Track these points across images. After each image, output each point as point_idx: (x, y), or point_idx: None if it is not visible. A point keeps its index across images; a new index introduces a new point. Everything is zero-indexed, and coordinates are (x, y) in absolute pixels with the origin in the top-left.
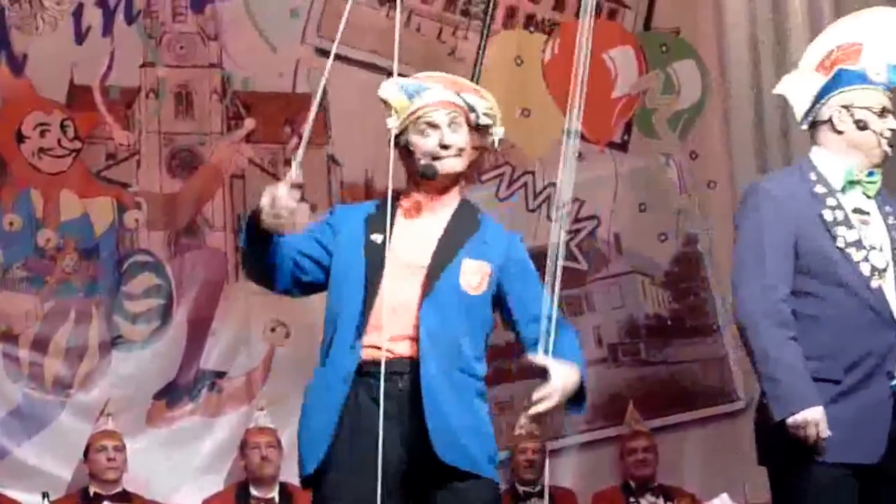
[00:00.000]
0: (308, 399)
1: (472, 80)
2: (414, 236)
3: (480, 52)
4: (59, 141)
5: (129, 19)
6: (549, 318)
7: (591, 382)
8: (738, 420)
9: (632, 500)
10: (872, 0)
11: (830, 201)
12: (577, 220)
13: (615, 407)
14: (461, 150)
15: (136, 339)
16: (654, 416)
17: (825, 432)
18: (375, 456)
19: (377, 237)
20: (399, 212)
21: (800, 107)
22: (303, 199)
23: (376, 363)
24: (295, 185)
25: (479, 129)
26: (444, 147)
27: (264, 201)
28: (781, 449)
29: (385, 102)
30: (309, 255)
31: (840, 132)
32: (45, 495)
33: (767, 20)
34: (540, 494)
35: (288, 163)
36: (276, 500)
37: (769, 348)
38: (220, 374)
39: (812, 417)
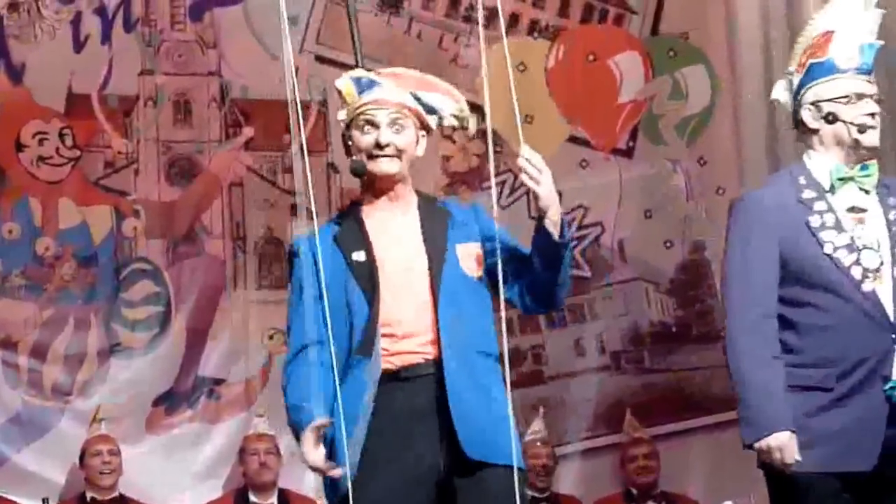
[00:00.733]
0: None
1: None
2: (395, 240)
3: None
4: (57, 149)
5: (128, 27)
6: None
7: (593, 390)
8: None
9: None
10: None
11: (819, 205)
12: (581, 227)
13: (618, 414)
14: (400, 151)
15: (135, 347)
16: (657, 424)
17: (791, 459)
18: (411, 456)
19: (359, 255)
20: (367, 221)
21: (788, 111)
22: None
23: (405, 367)
24: (319, 427)
25: (455, 129)
26: (379, 146)
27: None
28: None
29: (339, 93)
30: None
31: (815, 130)
32: (44, 501)
33: (781, 17)
34: (549, 501)
35: (287, 170)
36: None
37: (743, 370)
38: (219, 381)
39: (777, 444)
